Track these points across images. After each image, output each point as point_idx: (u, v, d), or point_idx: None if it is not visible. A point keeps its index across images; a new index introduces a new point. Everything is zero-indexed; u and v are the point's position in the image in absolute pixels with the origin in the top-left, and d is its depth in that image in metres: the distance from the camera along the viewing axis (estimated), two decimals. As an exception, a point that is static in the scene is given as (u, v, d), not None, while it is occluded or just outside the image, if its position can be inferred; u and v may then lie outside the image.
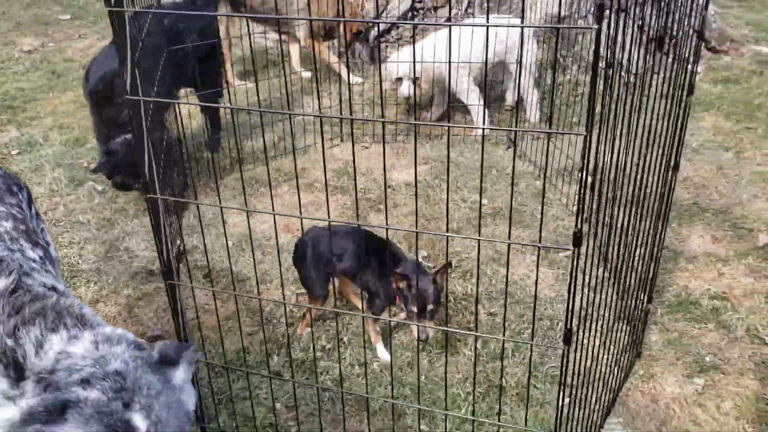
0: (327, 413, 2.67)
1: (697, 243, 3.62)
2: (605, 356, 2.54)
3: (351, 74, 5.64)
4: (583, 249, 1.69)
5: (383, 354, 2.91)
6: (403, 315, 2.82)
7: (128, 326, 3.13)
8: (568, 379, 1.98)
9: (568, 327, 1.71)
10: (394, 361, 2.87)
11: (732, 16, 7.19)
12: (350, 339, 3.02)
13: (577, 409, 2.40)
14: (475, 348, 2.74)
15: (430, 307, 2.61)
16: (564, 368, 1.78)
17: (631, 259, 2.56)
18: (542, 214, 1.67)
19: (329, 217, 1.95)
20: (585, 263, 1.86)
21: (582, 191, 1.60)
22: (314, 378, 2.78)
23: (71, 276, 3.43)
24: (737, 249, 3.54)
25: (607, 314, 2.40)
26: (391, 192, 4.15)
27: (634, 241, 2.56)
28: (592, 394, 2.41)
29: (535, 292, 1.83)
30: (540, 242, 1.64)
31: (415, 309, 2.61)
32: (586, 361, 2.14)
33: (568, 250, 1.65)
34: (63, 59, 6.45)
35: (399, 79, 4.67)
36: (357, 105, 5.17)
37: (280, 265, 2.20)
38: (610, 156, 2.12)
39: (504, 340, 1.93)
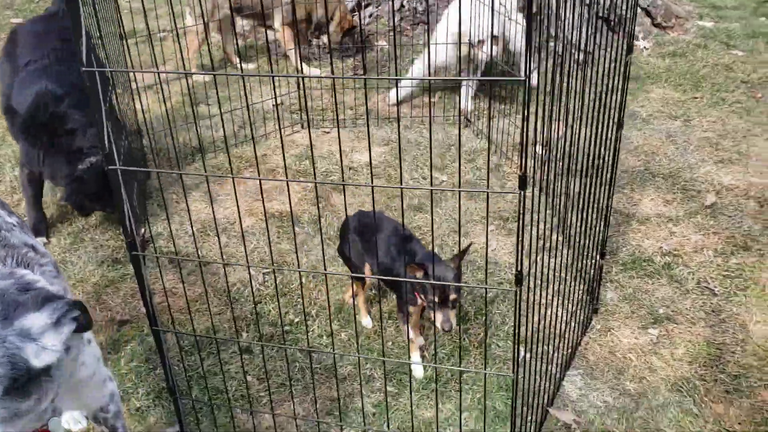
0: (298, 382, 2.73)
1: (648, 206, 3.76)
2: (561, 312, 2.65)
3: (310, 67, 5.69)
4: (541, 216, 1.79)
5: (416, 369, 2.75)
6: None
7: (97, 312, 3.16)
8: (527, 334, 2.08)
9: (519, 270, 1.80)
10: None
11: (677, -6, 7.40)
12: (318, 312, 3.09)
13: (537, 362, 2.51)
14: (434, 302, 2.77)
15: (452, 296, 2.40)
16: (518, 310, 1.87)
17: (584, 221, 2.67)
18: (489, 159, 1.76)
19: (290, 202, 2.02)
20: (540, 228, 1.96)
21: (524, 137, 1.68)
22: (283, 351, 2.85)
23: (36, 268, 3.43)
24: (686, 209, 3.69)
25: (563, 273, 2.51)
26: (353, 173, 4.22)
27: (587, 204, 2.67)
28: (550, 348, 2.52)
29: (486, 236, 1.91)
30: (488, 188, 1.72)
31: (435, 299, 2.40)
32: (542, 318, 2.25)
33: (514, 193, 1.74)
34: (16, 61, 6.38)
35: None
36: (317, 91, 5.22)
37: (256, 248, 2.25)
38: (556, 127, 2.22)
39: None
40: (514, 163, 4.21)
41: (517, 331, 1.95)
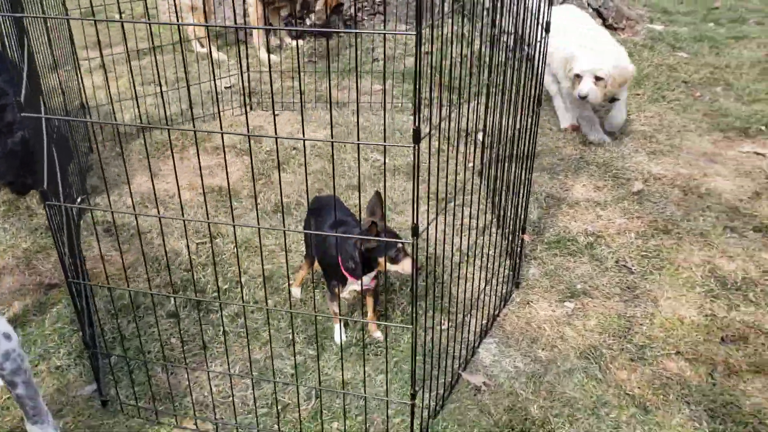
0: (219, 344, 2.78)
1: (580, 191, 3.88)
2: (483, 285, 2.75)
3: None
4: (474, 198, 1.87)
5: (337, 336, 2.83)
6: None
7: (26, 276, 3.17)
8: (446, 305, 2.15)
9: (415, 222, 1.88)
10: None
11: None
12: (247, 281, 3.14)
13: (455, 331, 2.60)
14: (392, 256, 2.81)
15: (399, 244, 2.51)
16: (415, 260, 1.95)
17: (508, 200, 2.77)
18: (384, 117, 1.83)
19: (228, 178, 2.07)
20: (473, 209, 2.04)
21: (417, 97, 1.75)
22: (207, 316, 2.90)
23: (-31, 233, 3.44)
24: (615, 195, 3.81)
25: (490, 251, 2.61)
26: (296, 153, 4.28)
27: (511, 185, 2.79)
28: (462, 313, 2.61)
29: (384, 188, 1.99)
30: (385, 142, 1.80)
31: (392, 252, 2.49)
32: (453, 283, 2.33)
33: (409, 146, 1.81)
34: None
35: (577, 76, 4.23)
36: (268, 75, 5.27)
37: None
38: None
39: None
40: (452, 146, 4.29)
41: (415, 284, 2.03)
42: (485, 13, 2.88)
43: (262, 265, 2.23)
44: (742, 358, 2.71)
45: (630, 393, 2.55)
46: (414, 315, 2.06)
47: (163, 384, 2.60)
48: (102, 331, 2.79)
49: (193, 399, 2.50)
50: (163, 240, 2.36)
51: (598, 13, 6.46)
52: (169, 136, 2.11)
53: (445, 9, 4.54)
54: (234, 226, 2.24)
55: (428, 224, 2.02)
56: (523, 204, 3.04)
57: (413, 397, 2.19)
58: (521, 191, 2.99)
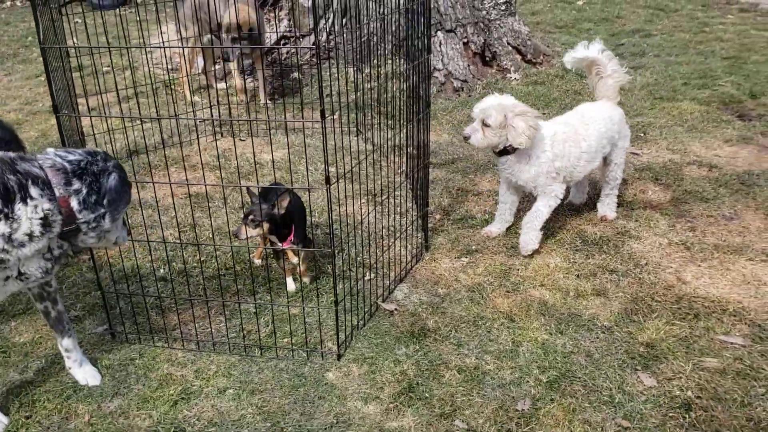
0: (200, 296, 3.68)
1: (485, 185, 4.87)
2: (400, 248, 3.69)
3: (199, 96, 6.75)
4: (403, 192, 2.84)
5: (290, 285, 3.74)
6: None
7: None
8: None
9: (327, 174, 2.82)
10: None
11: (551, 39, 8.76)
12: (220, 255, 4.05)
13: (377, 278, 3.54)
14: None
15: (251, 217, 3.40)
16: (330, 205, 2.89)
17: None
18: (320, 90, 2.78)
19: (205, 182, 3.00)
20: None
21: (320, 84, 2.71)
22: (189, 280, 3.80)
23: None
24: (512, 186, 4.81)
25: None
26: (259, 167, 5.23)
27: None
28: (384, 269, 3.54)
29: (304, 161, 2.93)
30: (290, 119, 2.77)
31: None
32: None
33: (318, 122, 2.77)
34: (-27, 90, 7.27)
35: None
36: (233, 106, 6.26)
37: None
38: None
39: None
40: (390, 160, 5.28)
41: (330, 221, 2.97)
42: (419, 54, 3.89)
43: (228, 223, 3.16)
44: (590, 287, 3.67)
45: (502, 311, 3.49)
46: (331, 240, 3.00)
47: (157, 321, 3.49)
48: (113, 282, 3.68)
49: (182, 330, 3.39)
50: (159, 217, 3.28)
51: (518, 51, 7.58)
52: (150, 158, 3.05)
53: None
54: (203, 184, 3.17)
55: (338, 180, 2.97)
56: (426, 189, 4.03)
57: (336, 303, 3.11)
58: (424, 180, 3.98)
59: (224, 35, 5.92)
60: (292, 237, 3.53)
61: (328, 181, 2.85)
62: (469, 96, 6.80)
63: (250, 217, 3.39)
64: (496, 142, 3.85)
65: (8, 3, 12.09)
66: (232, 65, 6.75)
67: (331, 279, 3.72)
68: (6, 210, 2.40)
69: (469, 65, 7.18)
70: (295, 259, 3.67)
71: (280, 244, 3.54)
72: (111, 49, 3.38)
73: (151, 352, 3.30)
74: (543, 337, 3.28)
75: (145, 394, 3.04)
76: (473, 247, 4.07)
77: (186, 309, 3.58)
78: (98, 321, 3.54)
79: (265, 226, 3.43)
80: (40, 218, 2.48)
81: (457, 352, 3.23)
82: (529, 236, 3.92)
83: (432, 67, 7.07)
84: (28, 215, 2.45)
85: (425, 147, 3.91)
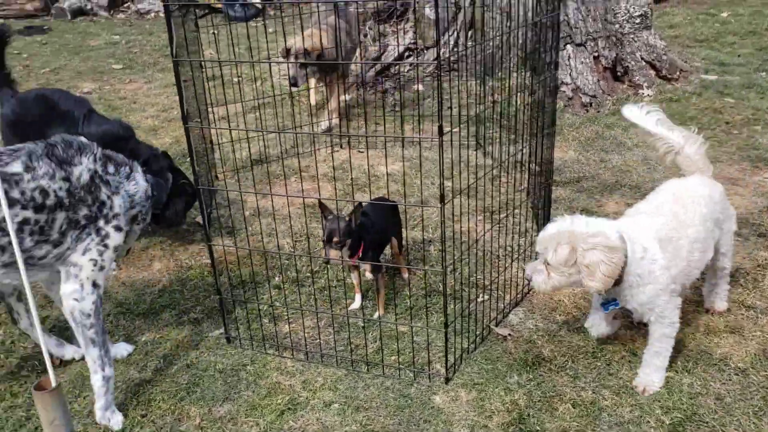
0: (311, 305, 3.69)
1: (611, 207, 4.61)
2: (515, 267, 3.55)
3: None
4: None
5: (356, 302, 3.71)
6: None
7: (170, 261, 4.22)
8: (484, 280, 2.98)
9: (442, 191, 2.74)
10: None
11: (690, 54, 8.25)
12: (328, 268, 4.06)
13: (491, 301, 3.42)
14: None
15: (335, 239, 3.30)
16: (443, 224, 2.80)
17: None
18: (420, 114, 2.72)
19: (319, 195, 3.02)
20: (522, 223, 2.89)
21: (440, 98, 2.64)
22: (300, 289, 3.82)
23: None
24: (640, 209, 4.52)
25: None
26: (375, 179, 5.23)
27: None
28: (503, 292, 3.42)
29: (403, 173, 2.85)
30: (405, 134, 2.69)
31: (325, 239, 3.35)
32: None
33: (435, 139, 2.69)
34: (117, 98, 7.76)
35: None
36: (352, 118, 6.31)
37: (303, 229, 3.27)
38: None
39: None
40: (511, 176, 5.13)
41: (443, 240, 2.88)
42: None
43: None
44: (722, 323, 3.36)
45: (624, 344, 3.26)
46: (443, 261, 2.90)
47: (269, 329, 3.53)
48: (231, 287, 3.76)
49: (292, 339, 3.41)
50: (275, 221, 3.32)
51: (651, 66, 7.19)
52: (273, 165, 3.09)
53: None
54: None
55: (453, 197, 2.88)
56: (548, 209, 3.85)
57: (446, 325, 3.01)
58: (546, 200, 3.81)
59: (291, 59, 5.74)
60: (360, 253, 3.48)
61: (442, 199, 2.76)
62: (598, 112, 6.51)
63: (334, 239, 3.32)
64: (566, 284, 2.93)
65: (152, 14, 12.90)
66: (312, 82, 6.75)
67: (442, 298, 3.63)
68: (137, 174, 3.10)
69: (599, 80, 6.88)
70: (369, 276, 3.61)
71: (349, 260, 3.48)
72: (239, 61, 3.47)
73: (262, 360, 3.34)
74: (667, 375, 3.03)
75: (254, 402, 3.07)
76: (595, 273, 3.85)
77: (297, 318, 3.60)
78: (215, 325, 3.62)
79: (347, 243, 3.37)
80: (145, 190, 3.12)
81: (572, 384, 3.04)
82: (651, 378, 3.00)
83: (559, 82, 6.86)
84: (143, 183, 3.12)
85: (549, 165, 3.75)
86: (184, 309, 3.78)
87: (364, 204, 3.49)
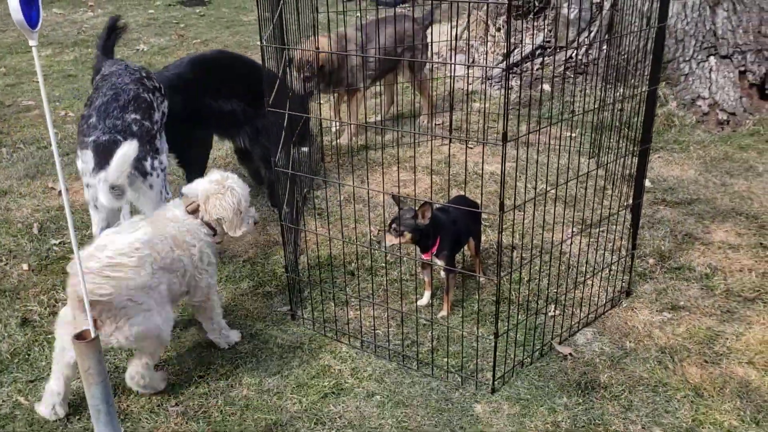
0: (378, 296, 3.73)
1: (720, 236, 4.26)
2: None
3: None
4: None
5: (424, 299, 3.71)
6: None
7: (260, 236, 4.40)
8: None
9: (501, 200, 2.66)
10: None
11: None
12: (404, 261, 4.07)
13: (562, 316, 3.31)
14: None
15: (393, 225, 3.42)
16: (501, 228, 2.72)
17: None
18: (485, 115, 2.65)
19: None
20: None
21: (506, 103, 2.55)
22: (372, 276, 3.86)
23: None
24: (752, 242, 4.15)
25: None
26: (476, 177, 5.15)
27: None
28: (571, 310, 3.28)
29: (482, 178, 2.78)
30: (471, 138, 2.62)
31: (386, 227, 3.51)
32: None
33: (499, 144, 2.61)
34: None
35: None
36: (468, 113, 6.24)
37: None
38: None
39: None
40: (617, 186, 4.88)
41: (499, 249, 2.80)
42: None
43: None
44: (814, 379, 3.04)
45: (690, 382, 3.03)
46: (498, 268, 2.83)
47: (332, 312, 3.60)
48: (308, 268, 3.88)
49: (350, 326, 3.47)
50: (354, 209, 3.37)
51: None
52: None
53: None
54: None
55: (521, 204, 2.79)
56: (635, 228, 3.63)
57: (496, 335, 2.93)
58: (635, 219, 3.59)
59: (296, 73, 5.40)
60: (434, 249, 3.45)
61: (501, 207, 2.69)
62: (734, 131, 6.02)
63: (393, 225, 3.40)
64: None
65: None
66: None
67: (509, 306, 3.54)
68: None
69: (741, 97, 6.35)
70: (441, 273, 3.56)
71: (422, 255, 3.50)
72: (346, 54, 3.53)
73: (320, 341, 3.42)
74: (731, 423, 2.79)
75: (302, 380, 3.15)
76: (681, 303, 3.58)
77: (363, 306, 3.64)
78: (285, 301, 3.75)
79: (407, 235, 3.40)
80: None
81: (623, 415, 2.87)
82: None
83: (696, 95, 6.40)
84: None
85: (638, 181, 3.54)
86: (261, 282, 3.93)
87: (440, 204, 3.49)
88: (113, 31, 4.20)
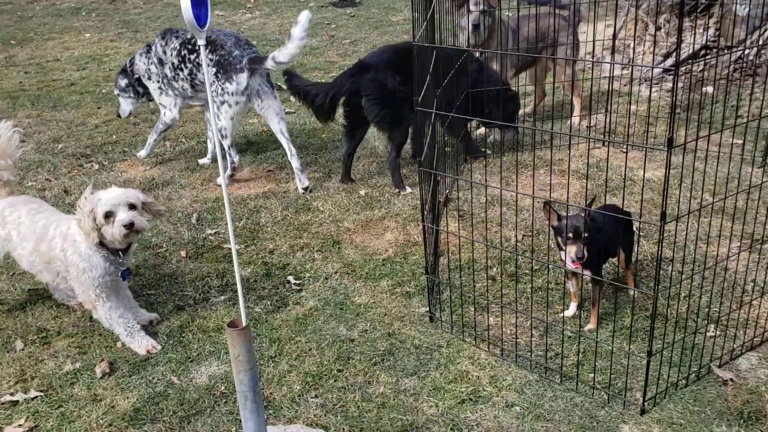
0: (521, 304, 3.61)
1: None
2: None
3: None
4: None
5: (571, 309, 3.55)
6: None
7: (401, 234, 4.41)
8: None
9: (663, 209, 2.47)
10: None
11: None
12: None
13: (723, 338, 3.05)
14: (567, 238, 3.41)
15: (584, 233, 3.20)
16: (661, 240, 2.53)
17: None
18: (672, 117, 2.45)
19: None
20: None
21: (672, 109, 2.36)
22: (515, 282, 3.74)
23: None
24: None
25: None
26: (630, 184, 4.87)
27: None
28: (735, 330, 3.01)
29: (642, 187, 2.58)
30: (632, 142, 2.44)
31: (568, 235, 3.19)
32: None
33: (664, 150, 2.42)
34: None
35: None
36: (624, 117, 5.93)
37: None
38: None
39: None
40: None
41: (659, 262, 2.59)
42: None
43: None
44: None
45: None
46: (656, 283, 2.63)
47: (472, 317, 3.53)
48: (448, 270, 3.84)
49: (489, 332, 3.37)
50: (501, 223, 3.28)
51: None
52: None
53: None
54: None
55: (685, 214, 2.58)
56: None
57: (649, 354, 2.73)
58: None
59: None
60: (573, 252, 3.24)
61: (663, 217, 2.50)
62: None
63: (578, 234, 3.16)
64: None
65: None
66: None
67: (662, 324, 3.30)
68: None
69: None
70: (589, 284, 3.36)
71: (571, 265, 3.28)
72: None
73: (458, 345, 3.36)
74: None
75: (439, 383, 3.11)
76: None
77: (505, 313, 3.54)
78: (424, 302, 3.72)
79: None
80: None
81: (793, 454, 2.59)
82: None
83: None
84: None
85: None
86: (401, 281, 3.93)
87: (593, 211, 3.31)
88: None
